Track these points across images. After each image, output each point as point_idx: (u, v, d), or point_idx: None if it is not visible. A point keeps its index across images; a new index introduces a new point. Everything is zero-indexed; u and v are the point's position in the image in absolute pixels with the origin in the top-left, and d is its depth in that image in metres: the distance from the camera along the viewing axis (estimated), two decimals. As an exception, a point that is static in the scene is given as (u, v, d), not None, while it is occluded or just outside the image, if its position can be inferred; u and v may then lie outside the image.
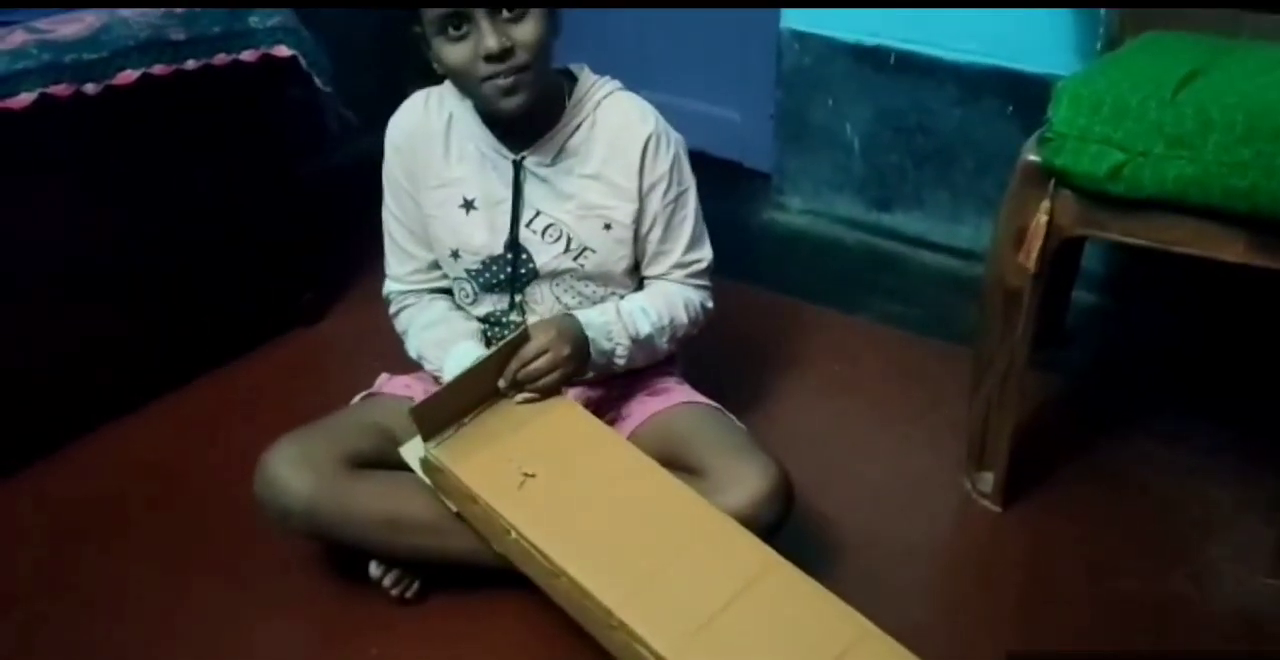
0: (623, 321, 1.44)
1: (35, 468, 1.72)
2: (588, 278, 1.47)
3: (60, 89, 1.60)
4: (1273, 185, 1.24)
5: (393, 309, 1.57)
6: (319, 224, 2.13)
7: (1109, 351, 2.08)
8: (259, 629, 1.44)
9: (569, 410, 1.40)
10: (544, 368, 1.36)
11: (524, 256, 1.46)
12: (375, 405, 1.51)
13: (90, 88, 1.64)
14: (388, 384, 1.56)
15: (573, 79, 1.44)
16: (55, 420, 1.77)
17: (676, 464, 1.40)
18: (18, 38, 1.57)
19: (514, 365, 1.36)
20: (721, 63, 2.67)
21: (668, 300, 1.49)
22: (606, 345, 1.43)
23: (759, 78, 2.55)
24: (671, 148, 1.46)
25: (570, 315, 1.43)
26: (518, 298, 1.49)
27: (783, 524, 1.37)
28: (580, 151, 1.43)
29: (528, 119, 1.37)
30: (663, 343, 1.49)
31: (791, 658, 1.14)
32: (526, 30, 1.29)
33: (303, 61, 1.87)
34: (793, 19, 2.40)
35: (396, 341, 1.57)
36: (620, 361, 1.45)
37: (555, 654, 1.36)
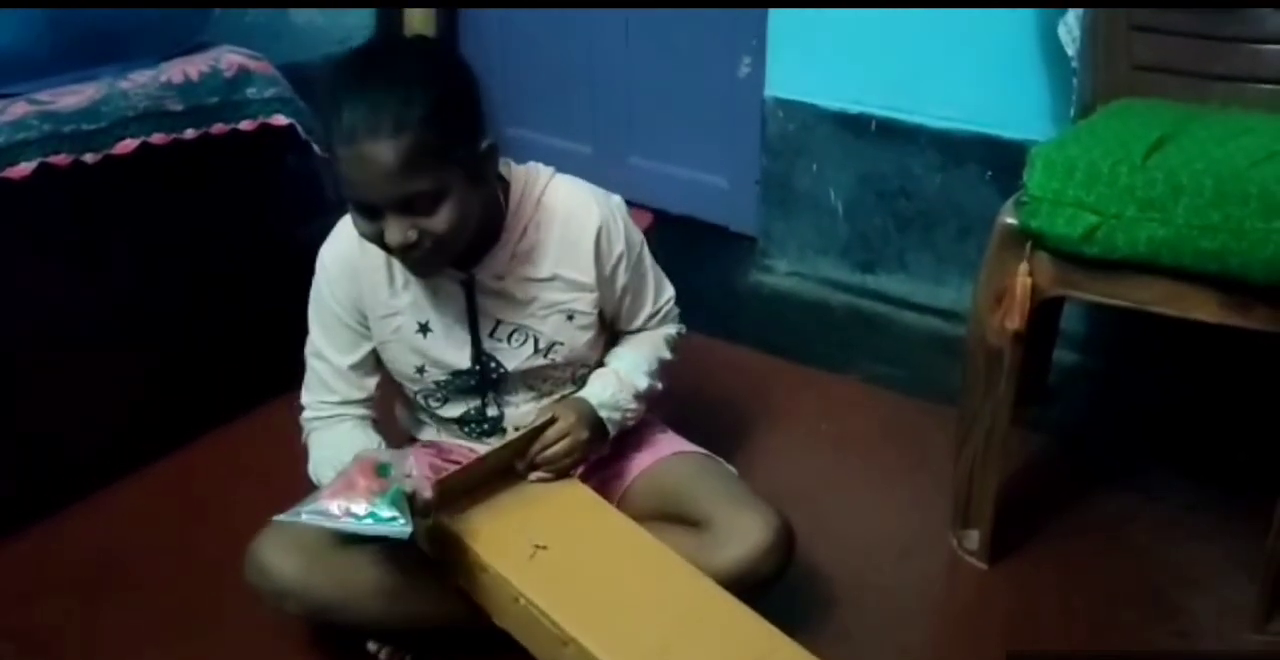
0: (624, 387, 1.46)
1: (31, 530, 1.72)
2: (556, 366, 1.48)
3: (60, 159, 1.64)
4: (1242, 247, 1.28)
5: (305, 431, 1.50)
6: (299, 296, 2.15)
7: (1091, 409, 2.10)
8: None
9: (577, 491, 1.44)
10: (563, 452, 1.40)
11: (493, 364, 1.45)
12: None
13: (89, 157, 1.68)
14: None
15: (504, 182, 1.39)
16: (52, 482, 1.77)
17: (675, 517, 1.42)
18: (19, 109, 1.62)
19: (535, 448, 1.40)
20: (707, 130, 2.73)
21: (653, 346, 1.53)
22: (618, 416, 1.46)
23: (744, 144, 2.60)
24: (619, 225, 1.43)
25: (582, 399, 1.44)
26: (490, 396, 1.49)
27: (784, 574, 1.39)
28: (531, 256, 1.39)
29: (470, 241, 1.34)
30: (656, 383, 1.52)
31: None
32: (437, 221, 1.23)
33: (300, 130, 1.92)
34: (777, 87, 2.46)
35: (389, 408, 1.59)
36: (631, 419, 1.48)
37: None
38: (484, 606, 1.34)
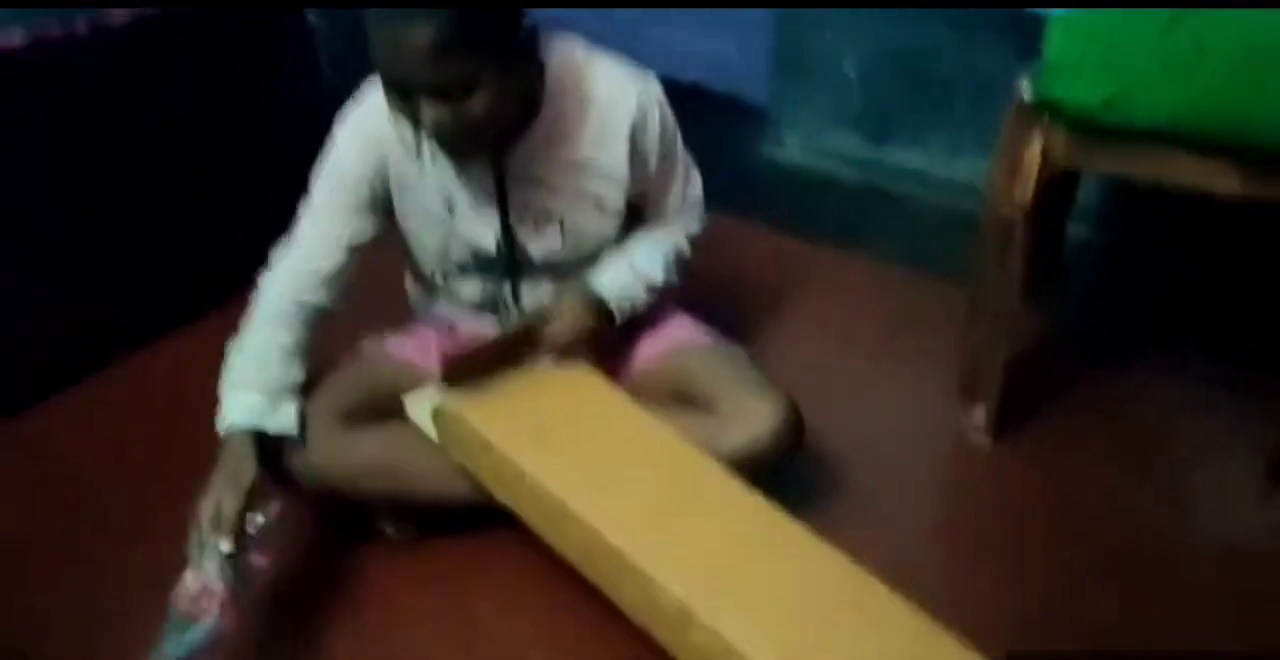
0: (637, 278, 1.44)
1: (45, 405, 1.74)
2: (580, 253, 1.45)
3: (52, 30, 1.59)
4: (1268, 113, 1.23)
5: (263, 283, 1.42)
6: (310, 163, 2.11)
7: (1103, 286, 2.08)
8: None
9: (584, 374, 1.42)
10: (568, 336, 1.38)
11: (516, 248, 1.42)
12: (367, 363, 1.50)
13: (81, 27, 1.62)
14: (380, 343, 1.54)
15: (540, 64, 1.32)
16: (62, 358, 1.78)
17: (684, 399, 1.42)
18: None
19: (545, 338, 1.39)
20: (718, -4, 2.63)
21: (672, 239, 1.49)
22: (627, 306, 1.44)
23: (755, 11, 2.51)
24: (656, 110, 1.38)
25: (589, 286, 1.42)
26: (511, 280, 1.46)
27: (791, 458, 1.40)
28: (564, 140, 1.35)
29: (501, 128, 1.30)
30: (674, 278, 1.49)
31: (804, 610, 1.15)
32: (473, 106, 1.19)
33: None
34: (790, -50, 2.36)
35: (393, 285, 1.58)
36: (643, 308, 1.47)
37: (551, 591, 1.38)
38: (487, 485, 1.35)
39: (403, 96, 1.20)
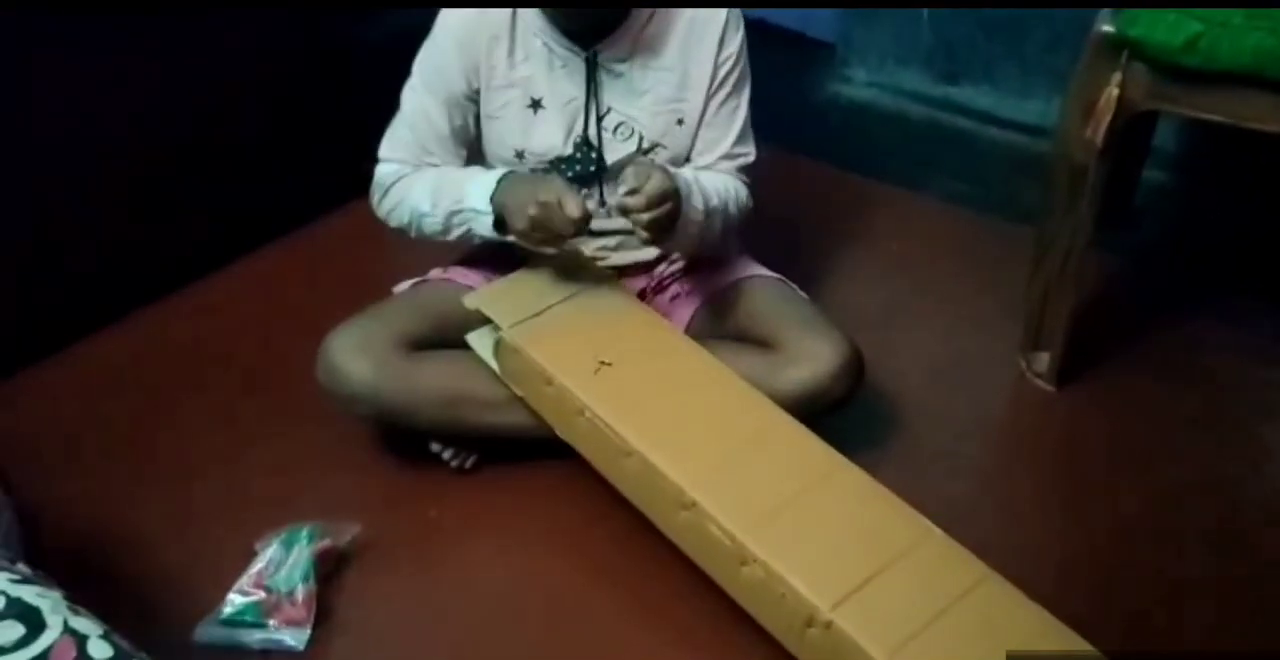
0: (699, 186, 1.39)
1: (104, 332, 1.76)
2: None
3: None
4: (1358, 58, 1.19)
5: (384, 188, 1.46)
6: (377, 93, 2.11)
7: (1176, 232, 2.03)
8: (324, 488, 1.49)
9: (644, 312, 1.44)
10: (656, 195, 1.27)
11: (594, 155, 1.42)
12: (431, 291, 1.51)
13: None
14: (442, 273, 1.55)
15: None
16: (121, 288, 1.80)
17: (747, 336, 1.43)
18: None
19: (624, 191, 1.28)
20: (787, -73, 2.58)
21: (721, 182, 1.45)
22: (690, 203, 1.35)
23: (826, -56, 2.46)
24: (741, 30, 1.41)
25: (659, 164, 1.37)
26: (584, 192, 1.43)
27: (852, 398, 1.40)
28: (655, 43, 1.38)
29: (598, 13, 1.34)
30: (718, 224, 1.44)
31: (857, 550, 1.16)
32: None
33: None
34: (863, -120, 2.30)
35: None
36: (695, 226, 1.37)
37: (608, 522, 1.40)
38: (548, 419, 1.37)
39: None
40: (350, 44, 2.02)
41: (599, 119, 1.41)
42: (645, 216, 1.27)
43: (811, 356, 1.37)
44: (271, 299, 1.87)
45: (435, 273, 1.56)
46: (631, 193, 1.27)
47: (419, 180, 1.43)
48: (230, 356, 1.74)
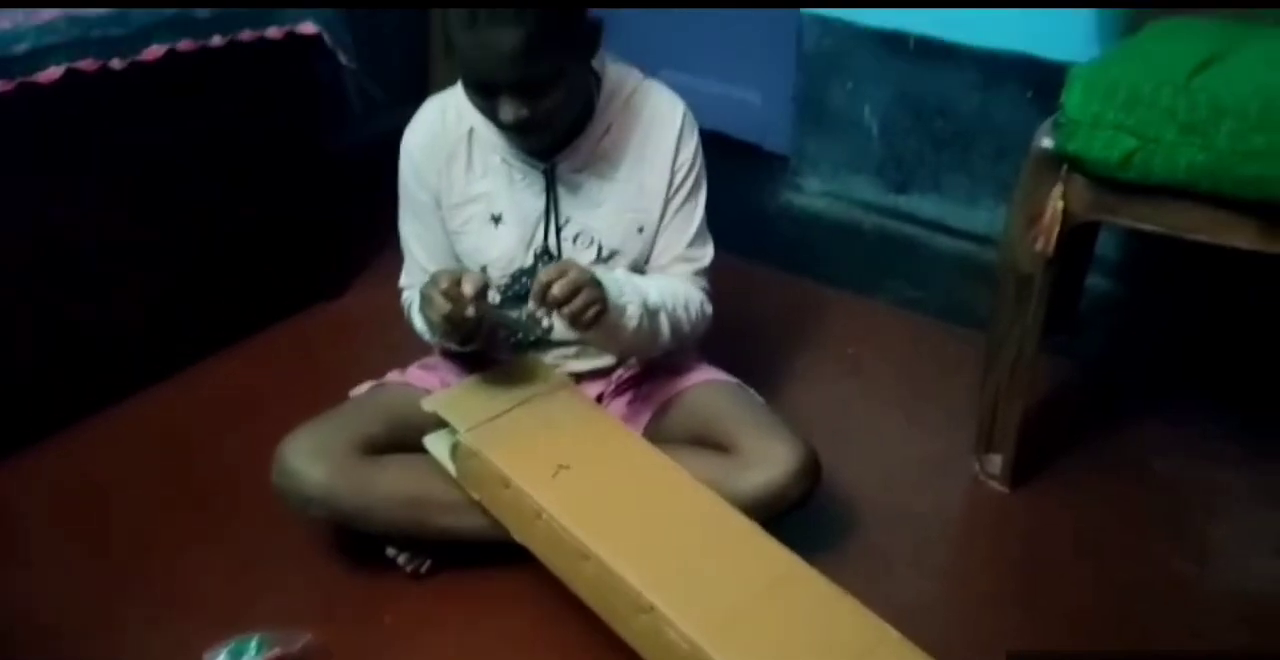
0: (633, 285, 1.38)
1: (56, 438, 1.75)
2: None
3: (87, 64, 1.63)
4: (1284, 173, 1.25)
5: (406, 314, 1.55)
6: (344, 200, 2.15)
7: (1121, 337, 2.08)
8: (276, 595, 1.47)
9: (600, 414, 1.45)
10: (569, 285, 1.26)
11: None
12: (389, 394, 1.52)
13: (116, 63, 1.66)
14: (400, 375, 1.57)
15: (597, 76, 1.41)
16: (79, 391, 1.80)
17: (704, 440, 1.43)
18: (48, 14, 1.60)
19: (538, 287, 1.28)
20: (743, 45, 2.67)
21: (670, 285, 1.46)
22: (621, 298, 1.35)
23: (780, 60, 2.55)
24: (695, 137, 1.45)
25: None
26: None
27: (809, 500, 1.40)
28: (612, 154, 1.42)
29: (556, 132, 1.37)
30: (664, 327, 1.43)
31: (816, 653, 1.15)
32: (548, 103, 1.27)
33: (328, 38, 1.89)
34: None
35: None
36: (631, 321, 1.36)
37: (564, 628, 1.39)
38: (505, 522, 1.36)
39: (484, 94, 1.28)
40: (321, 150, 2.06)
41: (558, 229, 1.43)
42: (565, 309, 1.27)
43: (768, 459, 1.37)
44: (228, 402, 1.86)
45: (393, 375, 1.57)
46: (546, 286, 1.27)
47: (417, 301, 1.46)
48: (185, 458, 1.73)
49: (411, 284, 1.53)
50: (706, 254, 1.51)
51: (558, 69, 1.26)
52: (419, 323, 1.49)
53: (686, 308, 1.46)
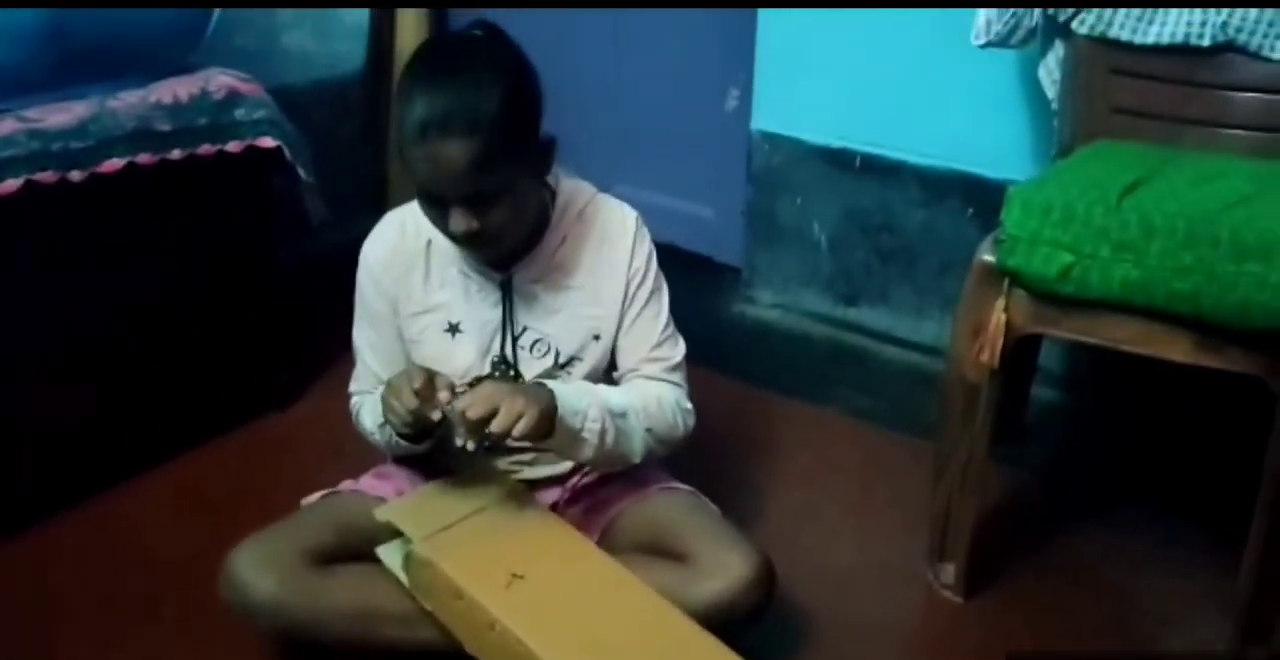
0: (592, 396, 1.39)
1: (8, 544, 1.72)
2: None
3: (46, 176, 1.65)
4: (1213, 289, 1.30)
5: (354, 418, 1.55)
6: (298, 310, 2.16)
7: (1067, 446, 2.12)
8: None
9: (554, 523, 1.44)
10: (485, 403, 1.26)
11: (511, 373, 1.46)
12: (341, 502, 1.51)
13: (76, 175, 1.68)
14: (353, 484, 1.56)
15: (551, 190, 1.45)
16: (23, 501, 1.77)
17: (659, 548, 1.43)
18: (7, 126, 1.63)
19: (457, 416, 1.28)
20: (694, 161, 2.75)
21: (638, 390, 1.47)
22: (578, 404, 1.35)
23: (731, 176, 2.62)
24: (648, 245, 1.49)
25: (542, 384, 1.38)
26: None
27: (763, 612, 1.39)
28: (567, 264, 1.45)
29: (511, 245, 1.40)
30: (637, 427, 1.42)
31: None
32: (498, 214, 1.30)
33: (287, 153, 1.93)
34: (763, 121, 2.48)
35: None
36: (594, 425, 1.36)
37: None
38: (457, 633, 1.34)
39: (435, 205, 1.31)
40: (276, 262, 2.08)
41: (515, 338, 1.45)
42: (491, 428, 1.26)
43: (723, 569, 1.37)
44: (178, 509, 1.83)
45: (346, 484, 1.55)
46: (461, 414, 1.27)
47: (366, 403, 1.50)
48: (130, 570, 1.69)
49: (361, 390, 1.54)
50: (677, 353, 1.51)
51: (508, 183, 1.29)
52: (368, 423, 1.49)
53: (660, 405, 1.46)
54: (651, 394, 1.47)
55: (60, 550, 1.73)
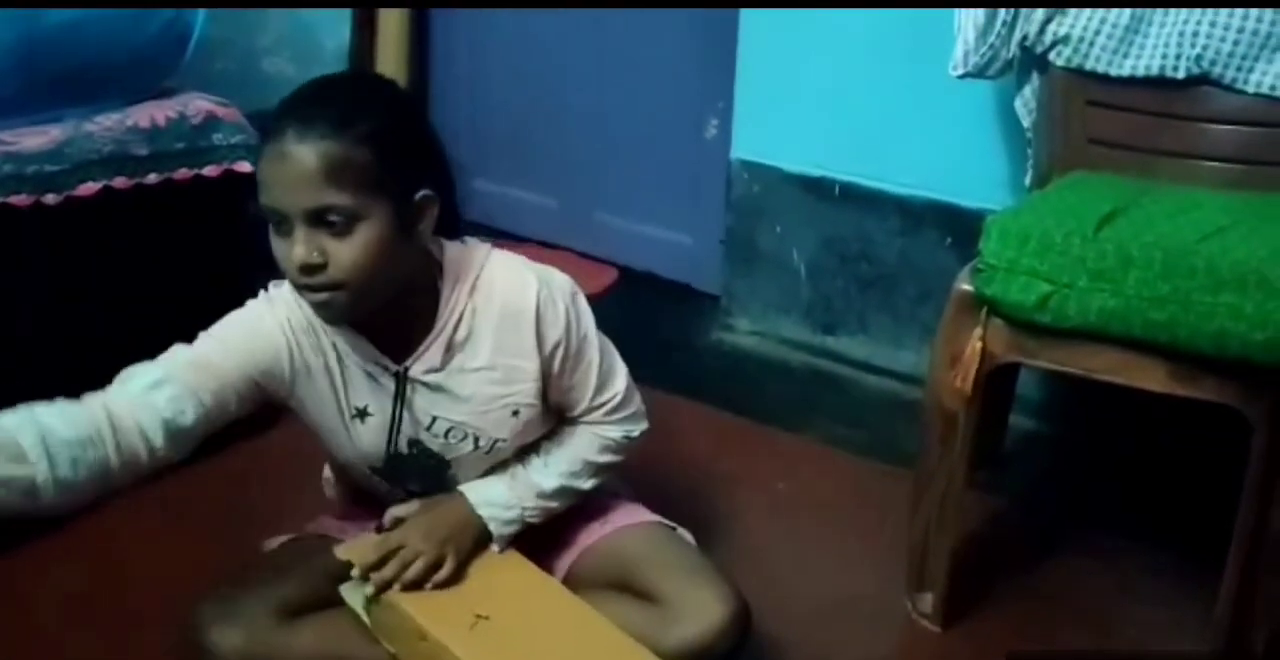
0: (518, 485, 1.38)
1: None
2: (503, 459, 1.41)
3: (20, 199, 1.64)
4: (1189, 319, 1.31)
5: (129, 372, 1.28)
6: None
7: (1045, 474, 2.12)
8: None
9: (519, 562, 1.40)
10: (396, 566, 1.29)
11: (430, 455, 1.39)
12: (305, 548, 1.45)
13: (51, 198, 1.67)
14: (316, 527, 1.52)
15: (438, 262, 1.31)
16: (3, 521, 1.73)
17: (630, 586, 1.38)
18: (-18, 151, 1.62)
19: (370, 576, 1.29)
20: (673, 189, 2.76)
21: (577, 445, 1.42)
22: (508, 514, 1.37)
23: (709, 204, 2.63)
24: (559, 305, 1.32)
25: (459, 495, 1.38)
26: (439, 478, 1.42)
27: (737, 654, 1.35)
28: (467, 346, 1.31)
29: (399, 325, 1.29)
30: (584, 484, 1.42)
31: None
32: (346, 249, 1.16)
33: (265, 178, 1.92)
34: (743, 149, 2.50)
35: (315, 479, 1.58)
36: (534, 519, 1.39)
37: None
38: (421, 676, 1.32)
39: (280, 229, 1.18)
40: (250, 285, 2.06)
41: (428, 426, 1.36)
42: (406, 577, 1.29)
43: (696, 612, 1.32)
44: (162, 533, 1.81)
45: (310, 527, 1.51)
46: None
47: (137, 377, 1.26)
48: (112, 588, 1.67)
49: (147, 381, 1.23)
50: (617, 390, 1.41)
51: (361, 209, 1.16)
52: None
53: (603, 451, 1.43)
54: (592, 444, 1.43)
55: (43, 568, 1.71)
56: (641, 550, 1.43)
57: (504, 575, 1.38)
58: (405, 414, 1.34)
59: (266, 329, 1.30)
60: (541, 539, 1.48)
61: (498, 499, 1.37)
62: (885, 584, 1.73)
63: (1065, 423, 2.22)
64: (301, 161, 1.14)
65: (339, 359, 1.31)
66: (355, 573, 1.31)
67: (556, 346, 1.33)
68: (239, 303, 1.91)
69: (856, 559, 1.84)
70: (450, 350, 1.31)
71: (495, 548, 1.39)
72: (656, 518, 1.51)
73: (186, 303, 1.94)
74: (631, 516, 1.50)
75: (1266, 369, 1.31)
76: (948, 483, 1.57)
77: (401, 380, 1.32)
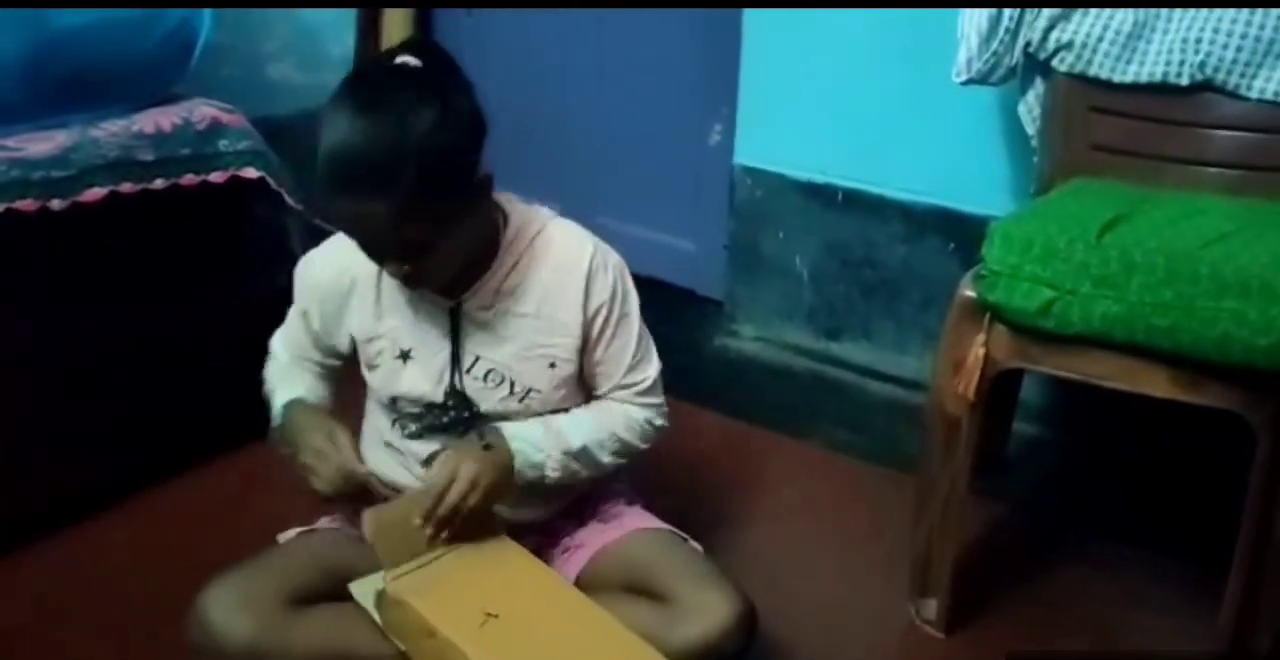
0: (552, 435, 1.40)
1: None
2: (530, 412, 1.44)
3: (26, 205, 1.64)
4: (1192, 325, 1.31)
5: (269, 364, 1.57)
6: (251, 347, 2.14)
7: (1048, 480, 2.12)
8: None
9: (529, 563, 1.41)
10: (455, 501, 1.32)
11: (465, 403, 1.43)
12: (317, 539, 1.47)
13: (57, 204, 1.67)
14: (331, 522, 1.52)
15: (503, 213, 1.40)
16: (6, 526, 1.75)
17: (639, 589, 1.39)
18: (-10, 156, 1.62)
19: (429, 505, 1.32)
20: (677, 195, 2.77)
21: (607, 414, 1.46)
22: (537, 457, 1.39)
23: (713, 210, 2.64)
24: (610, 273, 1.41)
25: (491, 430, 1.40)
26: (461, 435, 1.44)
27: (745, 653, 1.36)
28: (517, 291, 1.39)
29: (458, 271, 1.36)
30: (605, 457, 1.44)
31: None
32: (432, 256, 1.27)
33: (271, 182, 1.93)
34: (746, 156, 2.50)
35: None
36: (554, 473, 1.40)
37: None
38: (430, 673, 1.32)
39: (367, 251, 1.28)
40: (260, 287, 2.07)
41: (468, 369, 1.41)
42: (464, 504, 1.32)
43: (704, 611, 1.33)
44: (156, 540, 1.81)
45: (323, 521, 1.53)
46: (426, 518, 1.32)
47: (274, 375, 1.54)
48: (87, 609, 1.67)
49: (278, 350, 1.56)
50: (648, 375, 1.47)
51: (439, 230, 1.24)
52: (270, 384, 1.54)
53: (628, 427, 1.46)
54: (619, 417, 1.46)
55: (44, 568, 1.72)
56: (652, 553, 1.45)
57: (513, 574, 1.38)
58: (454, 352, 1.40)
59: (325, 299, 1.44)
60: (555, 542, 1.51)
61: (531, 438, 1.39)
62: (888, 589, 1.73)
63: (1068, 428, 2.22)
64: (371, 217, 1.20)
65: (393, 300, 1.41)
66: (417, 521, 1.32)
67: (600, 308, 1.40)
68: (245, 308, 1.93)
69: (859, 564, 1.84)
70: (501, 292, 1.39)
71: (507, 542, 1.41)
72: (668, 526, 1.52)
73: (192, 308, 1.96)
74: (636, 522, 1.51)
75: (1270, 375, 1.31)
76: (951, 488, 1.57)
77: (456, 314, 1.39)
